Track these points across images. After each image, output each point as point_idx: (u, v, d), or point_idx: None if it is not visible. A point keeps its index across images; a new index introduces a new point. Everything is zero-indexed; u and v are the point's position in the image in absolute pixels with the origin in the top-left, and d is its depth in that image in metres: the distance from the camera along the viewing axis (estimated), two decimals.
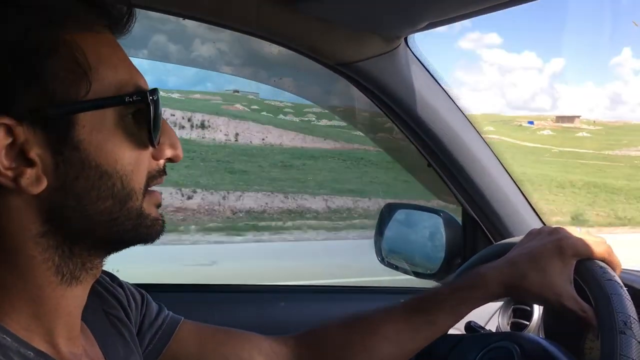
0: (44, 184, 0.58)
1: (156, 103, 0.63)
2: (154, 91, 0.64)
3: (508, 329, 1.25)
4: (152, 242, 0.67)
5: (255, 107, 15.86)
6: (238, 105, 15.72)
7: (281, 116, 15.75)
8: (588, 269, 0.89)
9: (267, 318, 1.37)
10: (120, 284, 0.86)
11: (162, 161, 0.68)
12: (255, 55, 1.40)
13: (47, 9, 0.58)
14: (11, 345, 0.57)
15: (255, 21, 1.12)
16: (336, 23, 1.13)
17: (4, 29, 0.56)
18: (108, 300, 0.81)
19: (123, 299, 0.84)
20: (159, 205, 0.68)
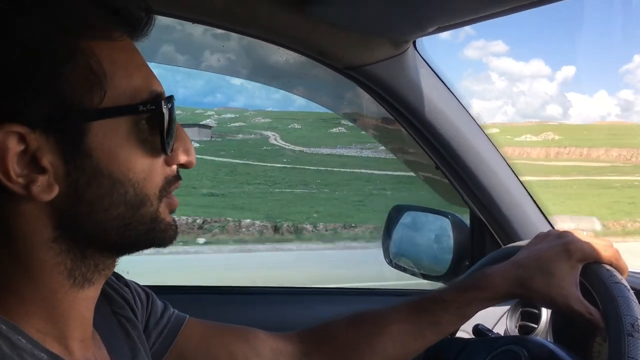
0: (55, 191, 0.58)
1: (170, 110, 0.63)
2: (169, 99, 0.64)
3: (516, 332, 1.25)
4: (165, 247, 0.67)
5: None
6: None
7: None
8: (595, 272, 0.89)
9: (275, 319, 1.38)
10: (126, 283, 0.86)
11: (174, 167, 0.67)
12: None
13: (63, 16, 0.58)
14: (26, 347, 0.58)
15: (265, 25, 1.13)
16: (345, 27, 1.13)
17: (20, 35, 0.56)
18: (116, 301, 0.82)
19: (130, 298, 0.84)
20: (172, 211, 0.68)
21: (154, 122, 0.62)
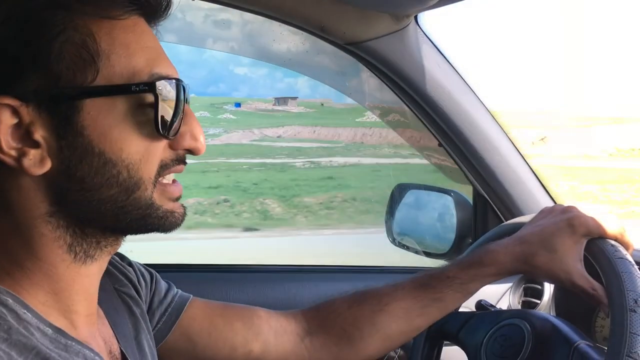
0: (47, 166, 0.58)
1: (178, 94, 0.62)
2: (177, 81, 0.63)
3: (519, 307, 1.25)
4: (166, 232, 0.67)
5: None
6: None
7: None
8: (599, 247, 0.89)
9: (276, 297, 1.38)
10: (129, 263, 0.87)
11: (181, 151, 0.66)
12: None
13: None
14: (31, 320, 0.58)
15: (265, 1, 1.12)
16: (345, 2, 1.12)
17: (11, 9, 0.56)
18: (119, 279, 0.82)
19: (133, 277, 0.85)
20: (178, 198, 0.67)
21: (152, 104, 0.61)
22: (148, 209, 0.64)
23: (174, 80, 0.63)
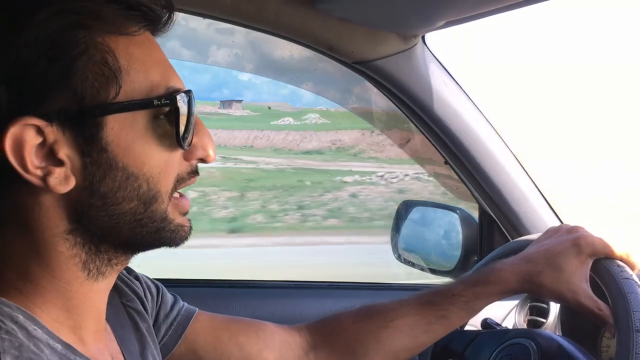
0: (72, 184, 0.59)
1: (189, 105, 0.64)
2: (187, 93, 0.64)
3: (524, 326, 1.25)
4: (175, 247, 0.68)
5: None
6: None
7: None
8: (605, 267, 0.89)
9: (282, 313, 1.39)
10: (136, 276, 0.87)
11: (194, 161, 0.68)
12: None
13: (77, 11, 0.58)
14: (41, 336, 0.59)
15: (274, 20, 1.13)
16: (354, 22, 1.14)
17: (35, 31, 0.56)
18: (126, 293, 0.83)
19: (140, 292, 0.85)
20: (186, 213, 0.69)
21: (171, 116, 0.62)
22: (162, 222, 0.65)
23: (185, 93, 0.64)
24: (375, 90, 1.27)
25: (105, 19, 0.60)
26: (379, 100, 1.43)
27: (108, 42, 0.59)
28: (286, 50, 1.30)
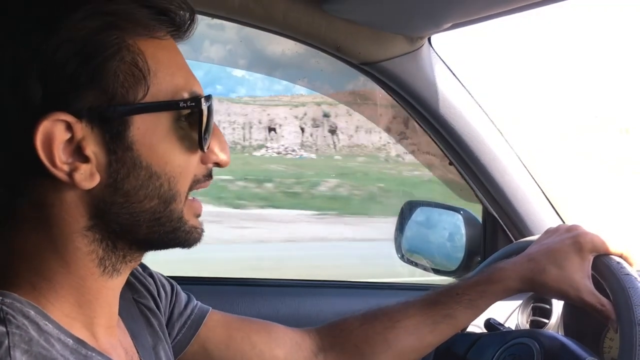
0: (96, 180, 0.60)
1: (209, 109, 0.65)
2: (208, 97, 0.66)
3: (527, 326, 1.26)
4: (189, 248, 0.69)
5: None
6: None
7: None
8: (605, 264, 0.91)
9: (287, 312, 1.39)
10: (150, 274, 0.88)
11: (210, 165, 0.69)
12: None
13: (113, 13, 0.60)
14: (52, 331, 0.59)
15: (282, 21, 1.14)
16: (361, 23, 1.15)
17: (70, 31, 0.58)
18: (138, 290, 0.84)
19: (153, 289, 0.86)
20: (198, 215, 0.70)
21: (194, 119, 0.64)
22: (178, 222, 0.66)
23: (205, 98, 0.66)
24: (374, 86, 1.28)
25: (138, 22, 0.61)
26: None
27: (139, 44, 0.61)
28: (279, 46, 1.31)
